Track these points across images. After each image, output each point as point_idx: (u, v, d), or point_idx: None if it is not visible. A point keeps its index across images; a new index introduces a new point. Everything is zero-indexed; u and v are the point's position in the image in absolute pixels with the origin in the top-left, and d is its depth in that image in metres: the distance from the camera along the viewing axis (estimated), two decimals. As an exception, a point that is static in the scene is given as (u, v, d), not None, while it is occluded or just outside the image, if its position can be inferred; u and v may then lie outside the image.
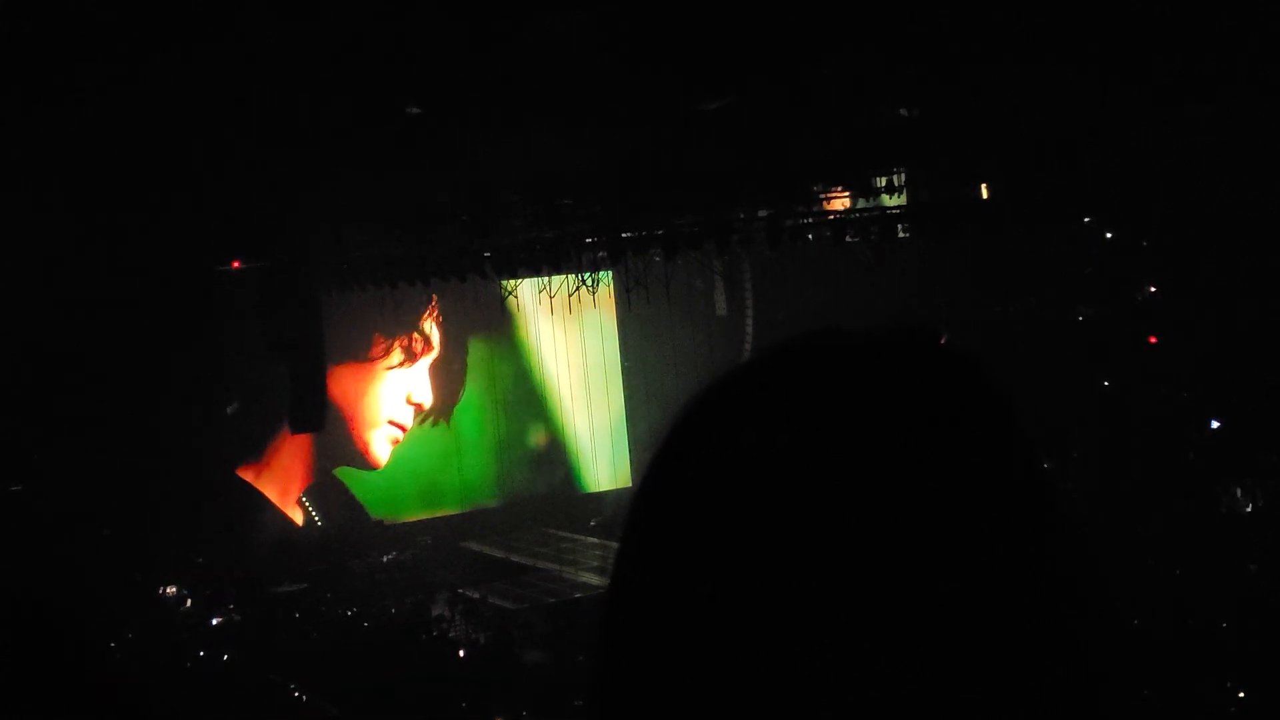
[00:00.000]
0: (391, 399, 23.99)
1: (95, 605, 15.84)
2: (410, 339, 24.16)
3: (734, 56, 11.60)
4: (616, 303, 24.71)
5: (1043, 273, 21.43)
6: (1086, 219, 20.61)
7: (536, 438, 25.69)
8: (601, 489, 25.66)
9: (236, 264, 18.75)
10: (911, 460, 0.78)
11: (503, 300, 22.42)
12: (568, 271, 21.14)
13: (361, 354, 23.60)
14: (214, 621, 17.93)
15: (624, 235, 17.83)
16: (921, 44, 11.45)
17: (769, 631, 0.75)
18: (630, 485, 24.91)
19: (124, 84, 11.40)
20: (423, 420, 24.45)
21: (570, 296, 21.69)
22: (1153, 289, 21.42)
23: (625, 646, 0.82)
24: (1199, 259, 19.23)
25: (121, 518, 18.48)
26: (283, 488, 23.06)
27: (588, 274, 21.37)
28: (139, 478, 18.77)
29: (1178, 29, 11.67)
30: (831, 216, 18.82)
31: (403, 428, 24.10)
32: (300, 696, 14.01)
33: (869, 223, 18.08)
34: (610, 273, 22.66)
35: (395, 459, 24.06)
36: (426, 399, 24.37)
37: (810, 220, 18.75)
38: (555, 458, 25.76)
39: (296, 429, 19.91)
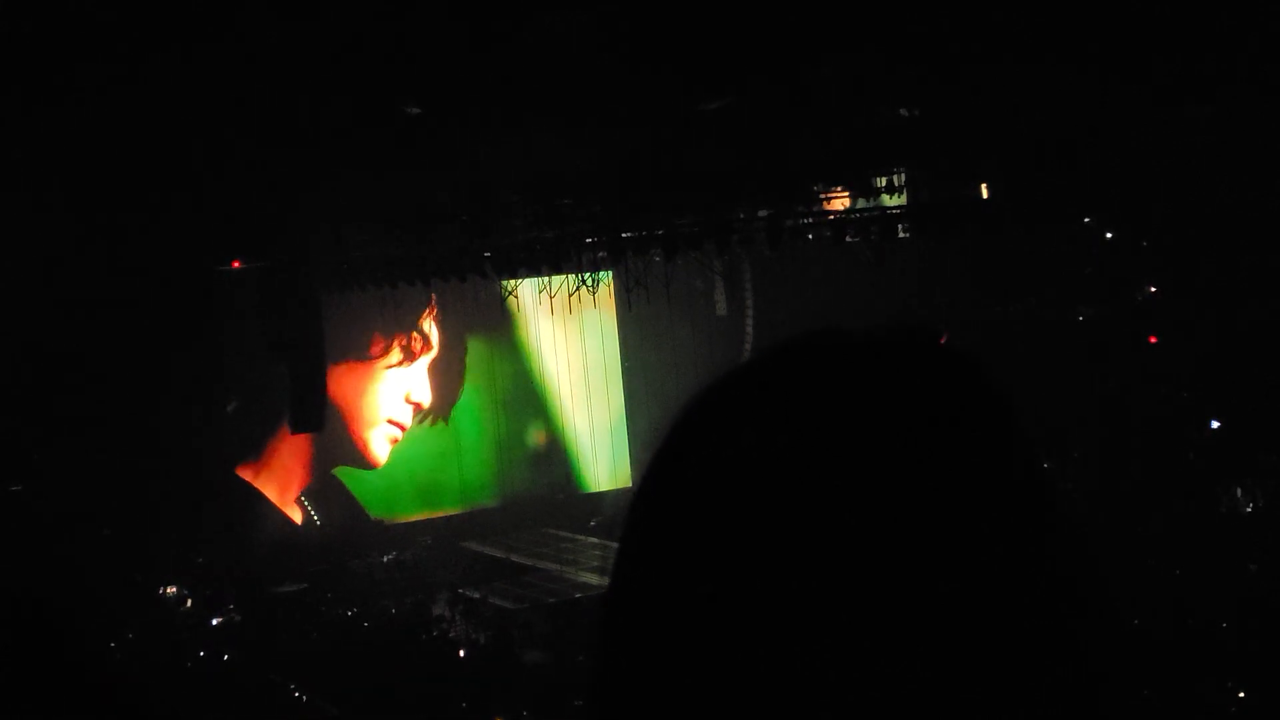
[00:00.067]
0: (390, 398, 23.99)
1: (95, 605, 15.84)
2: (409, 338, 24.16)
3: (734, 56, 11.60)
4: (616, 303, 24.71)
5: (1043, 273, 21.43)
6: (1086, 219, 20.62)
7: (536, 437, 25.69)
8: (601, 489, 25.65)
9: (236, 264, 18.76)
10: (911, 460, 0.78)
11: (503, 300, 22.42)
12: (568, 271, 21.14)
13: (360, 353, 23.60)
14: (214, 621, 17.94)
15: (624, 235, 17.84)
16: (921, 44, 11.46)
17: (769, 631, 0.75)
18: (630, 485, 24.91)
19: (124, 84, 11.40)
20: (422, 420, 24.45)
21: (570, 296, 21.69)
22: (1153, 289, 21.42)
23: (625, 646, 0.82)
24: (1199, 259, 19.23)
25: (121, 518, 18.49)
26: (282, 487, 23.06)
27: (588, 274, 21.37)
28: (139, 478, 18.78)
29: (1178, 29, 11.67)
30: (831, 216, 18.82)
31: (402, 427, 24.10)
32: (300, 696, 14.01)
33: (869, 223, 18.08)
34: (610, 273, 22.65)
35: (394, 458, 24.06)
36: (425, 398, 24.37)
37: (810, 220, 18.75)
38: (555, 457, 25.76)
39: (296, 429, 19.91)
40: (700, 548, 0.79)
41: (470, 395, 25.05)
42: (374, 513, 23.87)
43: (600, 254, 19.42)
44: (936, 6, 11.02)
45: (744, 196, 17.21)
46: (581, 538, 23.30)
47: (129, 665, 14.66)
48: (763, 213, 17.81)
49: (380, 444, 23.89)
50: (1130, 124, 15.08)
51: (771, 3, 10.66)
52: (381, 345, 23.90)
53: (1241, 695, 11.48)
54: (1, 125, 12.31)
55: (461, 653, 16.43)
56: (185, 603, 18.80)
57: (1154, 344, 20.64)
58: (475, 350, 25.09)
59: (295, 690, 14.13)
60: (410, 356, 24.22)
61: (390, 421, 23.96)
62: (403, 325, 23.73)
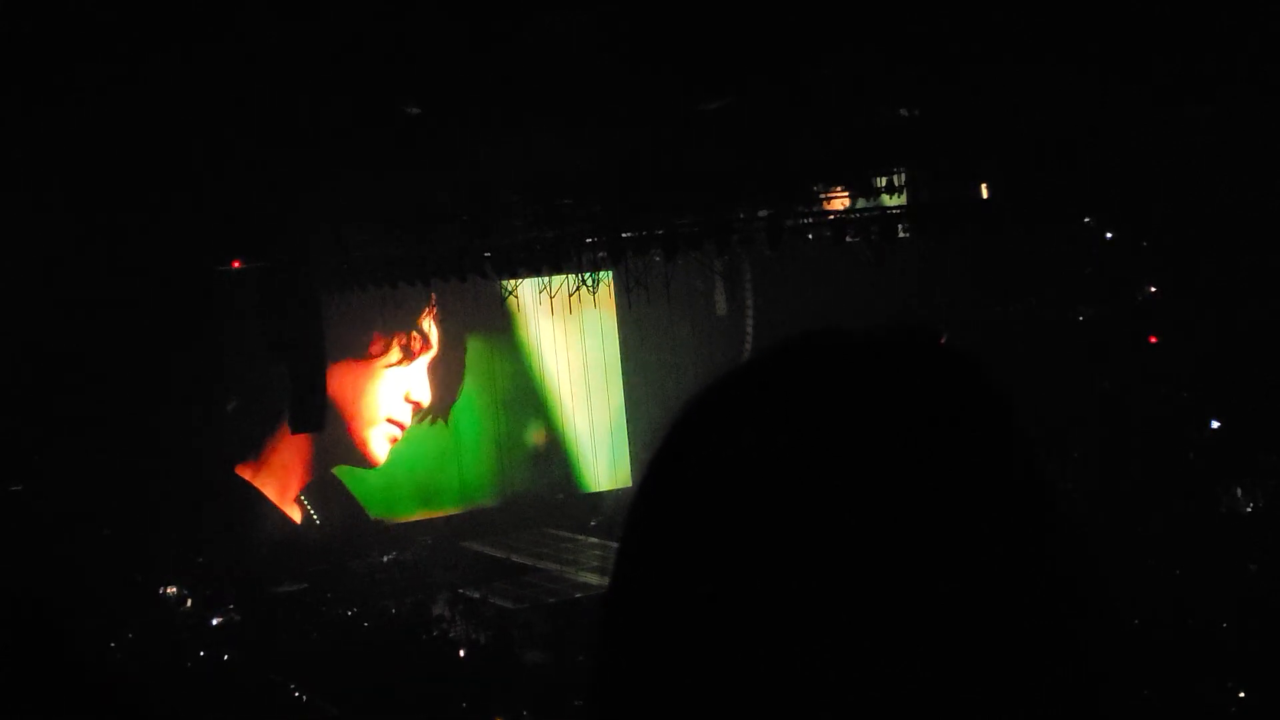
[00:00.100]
0: (390, 397, 23.99)
1: (95, 605, 15.84)
2: (409, 337, 24.16)
3: (734, 56, 11.60)
4: (616, 302, 24.71)
5: (1043, 273, 21.43)
6: (1086, 219, 20.62)
7: (536, 437, 25.69)
8: (601, 489, 25.66)
9: (236, 264, 18.76)
10: (911, 460, 0.78)
11: (503, 300, 22.42)
12: (568, 271, 21.14)
13: (360, 352, 23.60)
14: (214, 621, 17.94)
15: (624, 235, 17.84)
16: (921, 44, 11.46)
17: (769, 631, 0.75)
18: (630, 485, 24.91)
19: (124, 84, 11.40)
20: (421, 419, 24.45)
21: (570, 296, 21.69)
22: (1153, 289, 21.42)
23: (625, 647, 0.82)
24: (1199, 259, 19.23)
25: (121, 518, 18.49)
26: (281, 486, 23.06)
27: (588, 274, 21.37)
28: (139, 478, 18.78)
29: (1178, 29, 11.67)
30: (831, 216, 18.82)
31: (401, 426, 24.10)
32: (300, 696, 14.01)
33: (869, 223, 18.07)
34: (610, 272, 22.65)
35: (393, 457, 24.05)
36: (425, 397, 24.37)
37: (810, 220, 18.75)
38: (554, 457, 25.76)
39: (297, 429, 19.91)
40: (700, 548, 0.79)
41: (470, 395, 25.05)
42: (373, 512, 23.87)
43: (600, 254, 19.43)
44: (936, 6, 11.02)
45: (744, 196, 17.21)
46: (581, 538, 23.30)
47: (129, 665, 14.66)
48: (763, 213, 17.81)
49: (379, 443, 23.89)
50: (1130, 124, 15.08)
51: (771, 3, 10.66)
52: (381, 344, 23.91)
53: (1241, 695, 11.48)
54: (1, 125, 12.31)
55: (461, 653, 16.43)
56: (185, 603, 18.80)
57: (1154, 344, 20.64)
58: (475, 350, 25.09)
59: (295, 690, 14.13)
60: (409, 356, 24.22)
61: (389, 420, 23.96)
62: (402, 324, 23.73)
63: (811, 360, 0.84)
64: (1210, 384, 19.36)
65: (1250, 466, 18.53)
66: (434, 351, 24.56)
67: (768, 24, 10.80)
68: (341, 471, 23.69)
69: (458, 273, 18.86)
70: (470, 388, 25.06)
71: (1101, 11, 11.15)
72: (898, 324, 0.86)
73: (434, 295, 23.17)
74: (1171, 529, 16.56)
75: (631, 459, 25.53)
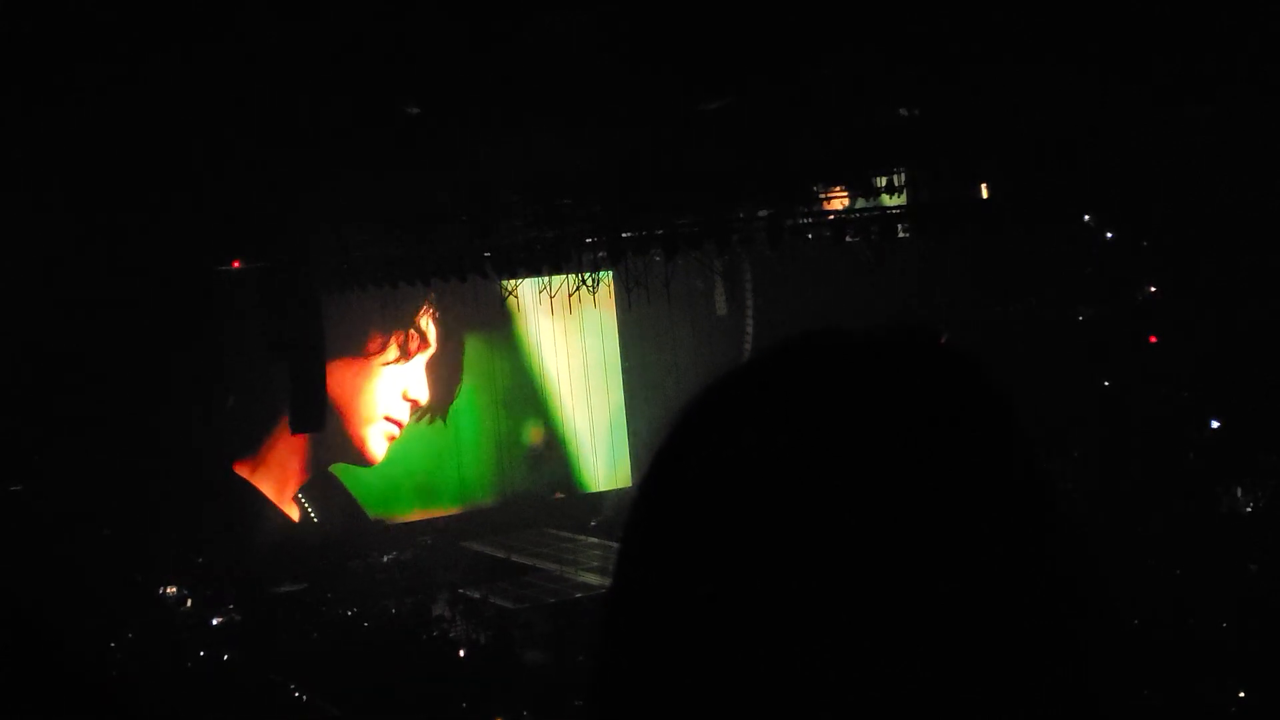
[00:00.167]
0: (387, 395, 23.99)
1: (95, 605, 15.84)
2: (406, 335, 24.17)
3: (734, 56, 11.60)
4: (616, 302, 24.70)
5: (1043, 273, 21.43)
6: (1086, 218, 20.62)
7: (535, 436, 25.69)
8: (601, 489, 25.66)
9: (236, 264, 18.76)
10: (911, 460, 0.78)
11: (502, 299, 22.43)
12: (568, 271, 21.14)
13: (357, 350, 23.59)
14: (214, 621, 17.94)
15: (624, 235, 17.83)
16: (921, 44, 11.45)
17: (769, 632, 0.75)
18: (629, 485, 24.92)
19: (124, 84, 11.40)
20: (420, 417, 24.45)
21: (570, 296, 21.70)
22: (1153, 289, 21.42)
23: (626, 647, 0.82)
24: (1199, 259, 19.23)
25: (121, 518, 18.49)
26: (279, 484, 23.06)
27: (588, 274, 21.37)
28: (139, 478, 18.78)
29: (1178, 29, 11.67)
30: (831, 216, 18.82)
31: (399, 424, 24.10)
32: (300, 696, 14.01)
33: (869, 223, 18.07)
34: (610, 272, 22.66)
35: (392, 456, 24.06)
36: (423, 395, 24.37)
37: (810, 220, 18.75)
38: (554, 457, 25.76)
39: (297, 429, 19.92)
40: (700, 548, 0.79)
41: (469, 394, 25.05)
42: (372, 511, 23.87)
43: (600, 254, 19.43)
44: (936, 6, 11.02)
45: (744, 196, 17.20)
46: (581, 538, 23.30)
47: (129, 665, 14.66)
48: (763, 213, 17.81)
49: (377, 441, 23.89)
50: (1130, 124, 15.07)
51: (771, 3, 10.66)
52: (378, 342, 23.91)
53: (1241, 695, 11.48)
54: (1, 125, 12.30)
55: (461, 653, 16.43)
56: (185, 603, 18.81)
57: (1154, 344, 20.64)
58: (474, 349, 25.09)
59: (295, 690, 14.13)
60: (407, 354, 24.23)
61: (387, 419, 23.96)
62: (399, 323, 23.74)
63: (811, 360, 0.84)
64: (1210, 384, 19.35)
65: (1250, 466, 18.53)
66: (432, 350, 24.56)
67: (768, 24, 10.80)
68: (339, 470, 23.69)
69: (458, 273, 18.86)
70: (469, 387, 25.06)
71: (1101, 11, 11.15)
72: (898, 324, 0.86)
73: (431, 294, 23.17)
74: (1171, 529, 16.56)
75: (631, 459, 25.53)
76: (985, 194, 18.69)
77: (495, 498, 25.08)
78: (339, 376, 22.69)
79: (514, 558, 22.37)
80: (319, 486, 23.44)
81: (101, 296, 17.65)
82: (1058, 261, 21.18)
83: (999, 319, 21.05)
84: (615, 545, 0.87)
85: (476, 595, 20.08)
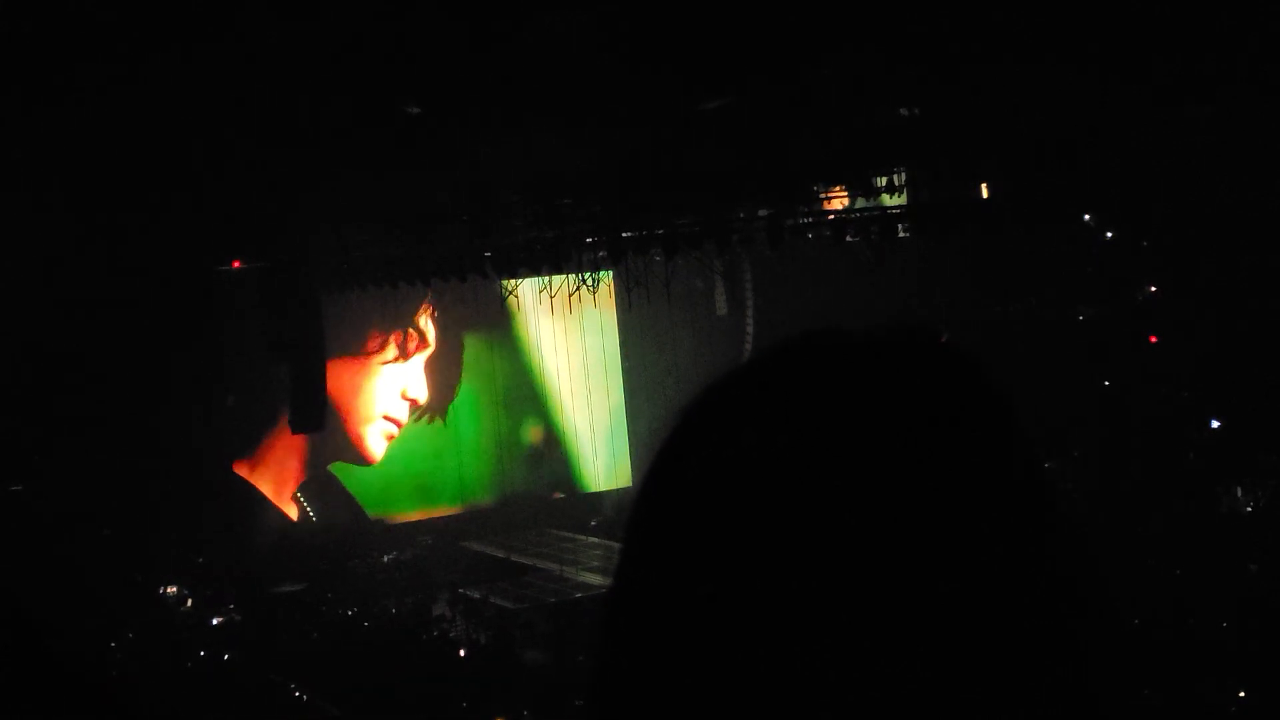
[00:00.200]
0: (386, 394, 23.99)
1: (95, 605, 15.84)
2: (405, 335, 24.17)
3: (734, 56, 11.60)
4: (616, 302, 24.70)
5: (1043, 273, 21.44)
6: (1086, 218, 20.62)
7: (535, 436, 25.69)
8: (601, 488, 25.65)
9: (236, 264, 18.76)
10: (912, 460, 0.78)
11: (502, 299, 22.43)
12: (568, 271, 21.15)
13: (356, 349, 23.59)
14: (214, 621, 17.94)
15: (624, 235, 17.84)
16: (921, 44, 11.46)
17: (769, 631, 0.75)
18: (629, 484, 24.91)
19: (124, 84, 11.40)
20: (419, 417, 24.44)
21: (570, 296, 21.70)
22: (1153, 289, 21.42)
23: (627, 646, 0.82)
24: (1199, 259, 19.24)
25: (121, 518, 18.49)
26: (277, 483, 23.06)
27: (588, 274, 21.38)
28: (139, 478, 18.78)
29: (1178, 29, 11.67)
30: (831, 216, 18.82)
31: (398, 423, 24.10)
32: (300, 696, 14.01)
33: (869, 222, 18.08)
34: (610, 272, 22.66)
35: (391, 455, 24.05)
36: (421, 394, 24.37)
37: (810, 220, 18.75)
38: (554, 456, 25.76)
39: (297, 430, 19.92)
40: (701, 548, 0.79)
41: (469, 393, 25.05)
42: (371, 510, 23.87)
43: (600, 254, 19.43)
44: (936, 6, 11.02)
45: (744, 196, 17.21)
46: (582, 537, 23.30)
47: (129, 665, 14.66)
48: (763, 213, 17.82)
49: (376, 440, 23.89)
50: (1130, 124, 15.08)
51: (771, 3, 10.66)
52: (377, 341, 23.91)
53: (1241, 695, 11.48)
54: (1, 125, 12.31)
55: (462, 653, 16.43)
56: (185, 603, 18.81)
57: (1154, 344, 20.64)
58: (473, 348, 25.09)
59: (295, 690, 14.13)
60: (406, 353, 24.23)
61: (386, 418, 23.96)
62: (398, 322, 23.75)
63: (811, 360, 0.84)
64: (1210, 384, 19.36)
65: (1250, 466, 18.53)
66: (431, 349, 24.56)
67: (768, 24, 10.80)
68: (338, 469, 23.69)
69: (458, 273, 18.87)
70: (469, 386, 25.06)
71: (1101, 11, 11.16)
72: (898, 324, 0.86)
73: (430, 293, 23.17)
74: (1171, 529, 16.56)
75: (631, 458, 25.53)
76: (985, 194, 18.69)
77: (495, 498, 25.07)
78: (337, 375, 22.69)
79: (514, 558, 22.37)
80: (318, 486, 23.44)
81: (101, 296, 17.66)
82: (1058, 261, 21.19)
83: (999, 319, 21.06)
84: (616, 545, 0.87)
85: (476, 595, 20.08)
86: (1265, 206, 17.52)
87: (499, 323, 24.70)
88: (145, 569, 18.67)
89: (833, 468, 0.77)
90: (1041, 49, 11.64)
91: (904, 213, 17.87)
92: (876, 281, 18.80)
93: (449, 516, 24.46)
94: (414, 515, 24.23)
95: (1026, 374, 16.21)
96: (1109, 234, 21.47)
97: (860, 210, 18.53)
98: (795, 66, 12.14)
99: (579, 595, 19.17)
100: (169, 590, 18.88)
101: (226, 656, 15.75)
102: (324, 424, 19.88)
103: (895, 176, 17.35)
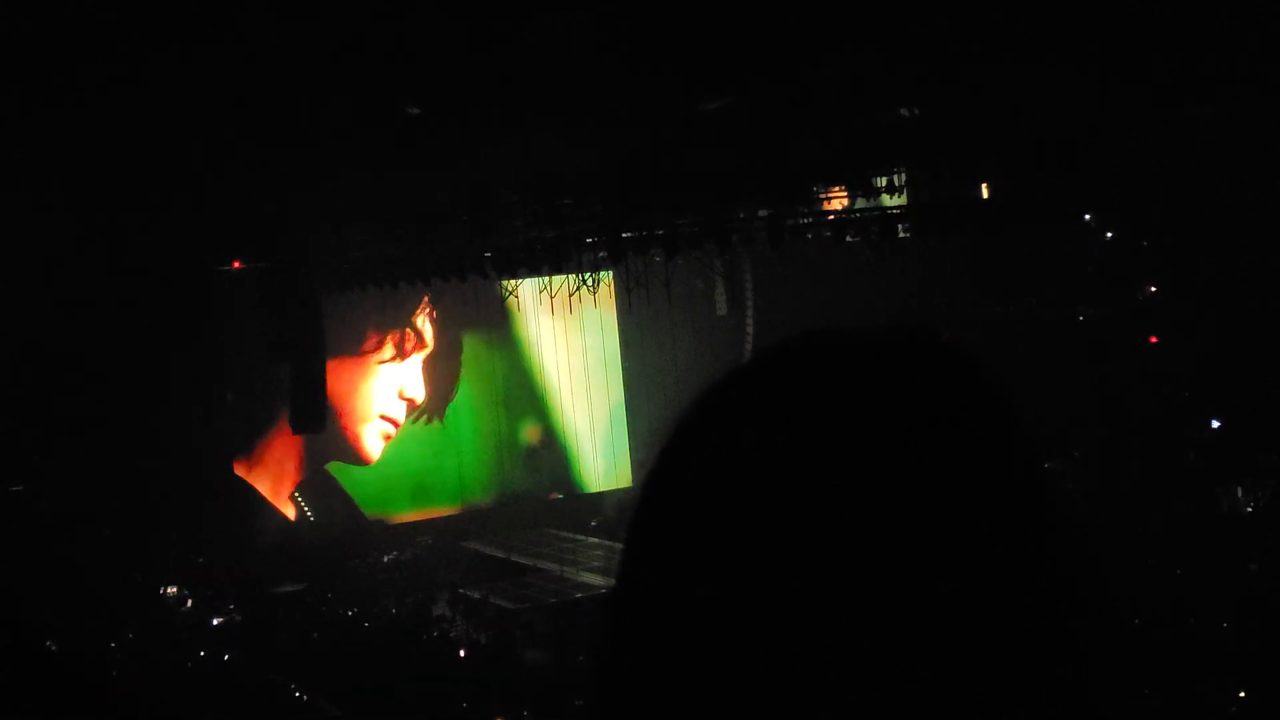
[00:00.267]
0: (383, 393, 23.98)
1: (95, 605, 15.85)
2: (402, 334, 24.16)
3: (734, 56, 11.60)
4: (616, 302, 24.70)
5: (1043, 273, 21.44)
6: (1086, 218, 20.62)
7: (534, 436, 25.68)
8: (600, 488, 25.65)
9: (236, 264, 18.77)
10: (912, 460, 0.78)
11: (502, 299, 22.43)
12: (568, 271, 21.14)
13: (353, 348, 23.58)
14: (214, 621, 17.94)
15: (624, 235, 17.84)
16: (921, 44, 11.46)
17: (770, 632, 0.75)
18: (629, 485, 24.92)
19: (124, 84, 11.41)
20: (417, 417, 24.44)
21: (570, 296, 21.70)
22: (1153, 289, 21.42)
23: (628, 647, 0.82)
24: (1199, 259, 19.24)
25: (121, 518, 18.49)
26: (275, 483, 23.05)
27: (588, 274, 21.38)
28: (139, 478, 18.77)
29: (1178, 29, 11.67)
30: (831, 216, 18.82)
31: (395, 422, 24.09)
32: (300, 696, 14.01)
33: (869, 223, 18.08)
34: (610, 272, 22.66)
35: (389, 455, 24.04)
36: (419, 394, 24.36)
37: (810, 220, 18.75)
38: (553, 456, 25.75)
39: (298, 430, 19.92)
40: (701, 549, 0.79)
41: (468, 393, 25.04)
42: (369, 510, 23.86)
43: (600, 254, 19.43)
44: (936, 6, 11.02)
45: (744, 196, 17.21)
46: (582, 538, 23.30)
47: (129, 665, 14.66)
48: (763, 213, 17.82)
49: (373, 440, 23.88)
50: (1130, 124, 15.08)
51: (771, 3, 10.66)
52: (374, 341, 23.90)
53: (1242, 695, 11.48)
54: (1, 125, 12.31)
55: (462, 653, 16.43)
56: (185, 603, 18.81)
57: (1154, 344, 20.65)
58: (472, 348, 25.08)
59: (295, 690, 14.13)
60: (403, 353, 24.22)
61: (383, 417, 23.95)
62: (396, 321, 23.74)
63: (812, 360, 0.84)
64: (1210, 384, 19.36)
65: (1250, 466, 18.53)
66: (429, 349, 24.55)
67: (768, 24, 10.81)
68: (335, 469, 23.68)
69: (458, 273, 18.87)
70: (468, 386, 25.05)
71: (1101, 11, 11.16)
72: (898, 324, 0.86)
73: (428, 293, 23.16)
74: (1171, 529, 16.56)
75: (631, 458, 25.53)
76: (985, 194, 18.70)
77: (494, 498, 25.07)
78: (334, 375, 22.65)
79: (514, 558, 22.37)
80: (316, 486, 23.43)
81: (101, 296, 17.66)
82: (1058, 261, 21.19)
83: (999, 319, 21.06)
84: (616, 545, 0.87)
85: (476, 595, 20.08)
86: (1265, 206, 17.52)
87: (498, 323, 24.69)
88: (145, 569, 18.67)
89: (833, 468, 0.78)
90: (1041, 49, 11.65)
91: (904, 213, 17.88)
92: (876, 281, 18.81)
93: (448, 517, 24.46)
94: (413, 515, 24.22)
95: (1026, 374, 16.20)
96: (1109, 234, 21.47)
97: (860, 210, 18.53)
98: (795, 66, 12.15)
99: (579, 595, 19.17)
100: (169, 590, 18.88)
101: (226, 656, 15.75)
102: (324, 424, 19.88)
103: (895, 176, 17.36)
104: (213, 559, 19.81)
